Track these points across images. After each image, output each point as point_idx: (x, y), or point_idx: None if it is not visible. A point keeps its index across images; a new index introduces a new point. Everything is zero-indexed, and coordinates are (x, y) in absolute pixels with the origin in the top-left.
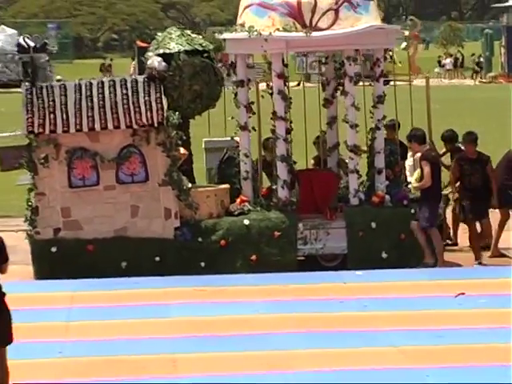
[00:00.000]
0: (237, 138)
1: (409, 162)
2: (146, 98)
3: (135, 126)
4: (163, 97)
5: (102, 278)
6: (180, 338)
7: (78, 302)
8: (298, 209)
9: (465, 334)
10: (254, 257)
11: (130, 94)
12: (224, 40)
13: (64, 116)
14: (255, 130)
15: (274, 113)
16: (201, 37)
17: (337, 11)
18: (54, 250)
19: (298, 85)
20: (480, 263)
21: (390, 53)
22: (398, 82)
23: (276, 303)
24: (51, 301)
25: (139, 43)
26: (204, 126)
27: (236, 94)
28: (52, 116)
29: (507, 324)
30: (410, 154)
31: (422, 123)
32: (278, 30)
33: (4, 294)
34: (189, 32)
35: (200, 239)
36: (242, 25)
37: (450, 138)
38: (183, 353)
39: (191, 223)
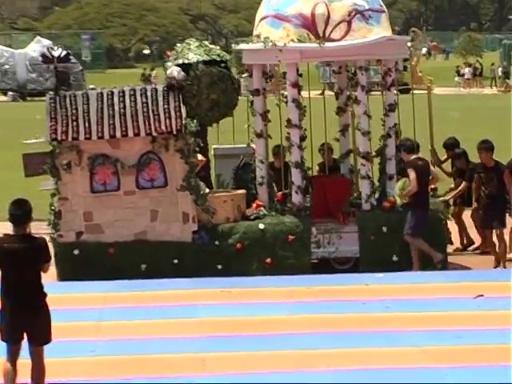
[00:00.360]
0: (253, 145)
1: None
2: (166, 107)
3: (155, 134)
4: (182, 105)
5: (122, 279)
6: (208, 338)
7: (110, 302)
8: (311, 213)
9: (483, 334)
10: (268, 260)
11: (149, 102)
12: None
13: (86, 124)
14: (271, 138)
15: (289, 120)
16: (218, 47)
17: (349, 23)
18: (76, 252)
19: (322, 93)
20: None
21: (406, 63)
22: (415, 91)
23: (301, 304)
24: (85, 301)
25: (169, 54)
26: (213, 132)
27: (252, 103)
28: (75, 124)
29: None
30: None
31: (442, 131)
32: (292, 40)
33: (45, 295)
34: (207, 43)
35: (217, 242)
36: (258, 36)
37: (451, 145)
38: (212, 352)
39: (208, 227)
